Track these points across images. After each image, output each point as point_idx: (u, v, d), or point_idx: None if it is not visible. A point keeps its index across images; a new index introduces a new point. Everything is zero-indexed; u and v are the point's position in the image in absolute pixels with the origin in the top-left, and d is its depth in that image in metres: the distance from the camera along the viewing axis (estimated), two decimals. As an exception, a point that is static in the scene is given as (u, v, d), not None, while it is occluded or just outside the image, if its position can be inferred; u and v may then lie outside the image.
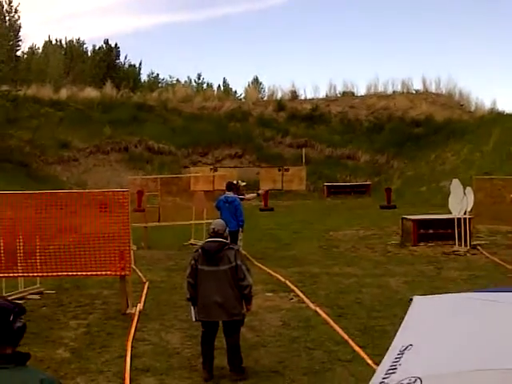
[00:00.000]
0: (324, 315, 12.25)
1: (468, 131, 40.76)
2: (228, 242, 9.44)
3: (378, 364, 9.16)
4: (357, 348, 10.21)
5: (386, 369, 3.60)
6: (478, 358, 3.49)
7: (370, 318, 12.13)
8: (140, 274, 16.51)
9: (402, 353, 3.70)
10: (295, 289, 14.60)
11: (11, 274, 13.37)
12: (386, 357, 3.82)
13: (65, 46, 69.32)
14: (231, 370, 9.30)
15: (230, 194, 18.13)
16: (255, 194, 22.89)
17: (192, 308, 9.34)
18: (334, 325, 11.59)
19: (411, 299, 4.52)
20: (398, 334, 4.07)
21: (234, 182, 20.56)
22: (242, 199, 19.45)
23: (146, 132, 44.59)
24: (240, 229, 17.74)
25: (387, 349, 10.00)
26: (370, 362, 9.43)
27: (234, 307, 9.08)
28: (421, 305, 4.41)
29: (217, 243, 9.13)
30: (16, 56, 56.41)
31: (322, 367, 9.54)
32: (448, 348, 3.69)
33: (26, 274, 13.57)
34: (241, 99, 57.77)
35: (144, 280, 15.88)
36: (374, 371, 9.00)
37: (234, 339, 9.31)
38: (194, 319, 9.42)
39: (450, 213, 20.34)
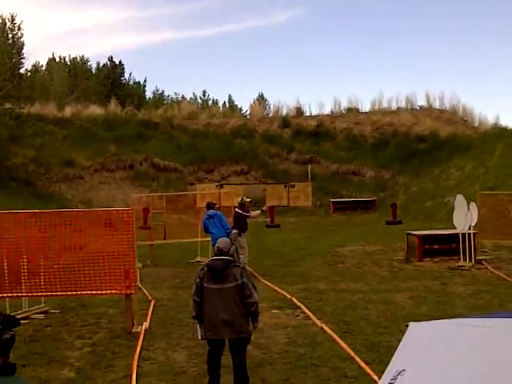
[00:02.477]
0: (330, 332, 12.21)
1: (472, 147, 40.79)
2: (234, 259, 9.51)
3: (384, 381, 9.11)
4: (363, 364, 10.16)
5: None
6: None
7: (376, 334, 12.07)
8: (146, 292, 16.50)
9: (395, 378, 3.75)
10: (301, 305, 14.55)
11: (15, 294, 13.34)
12: (380, 381, 3.88)
13: (69, 63, 69.48)
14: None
15: (210, 211, 19.55)
16: (259, 211, 22.90)
17: (198, 326, 9.33)
18: (340, 341, 11.54)
19: (407, 325, 4.65)
20: (393, 358, 4.12)
21: (242, 198, 20.72)
22: (247, 216, 19.78)
23: (151, 149, 44.66)
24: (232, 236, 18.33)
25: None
26: (375, 378, 9.36)
27: (240, 325, 9.04)
28: (416, 331, 4.52)
29: (222, 261, 9.13)
30: (19, 73, 56.42)
31: (328, 385, 9.49)
32: (438, 373, 3.78)
33: (30, 294, 13.55)
34: (246, 116, 57.84)
35: (150, 298, 15.86)
36: (380, 388, 8.94)
37: (240, 357, 9.25)
38: (200, 337, 9.38)
39: (455, 228, 20.32)
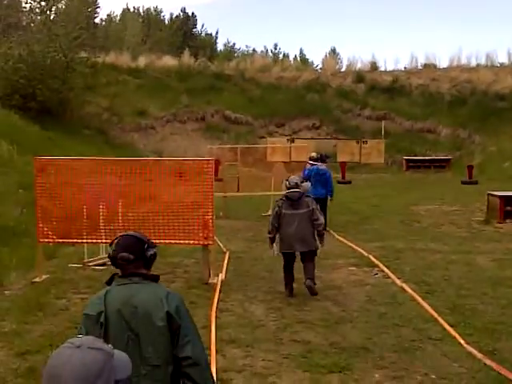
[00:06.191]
0: (411, 292, 11.89)
1: (554, 105, 39.52)
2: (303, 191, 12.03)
3: (470, 344, 8.79)
4: (447, 326, 9.81)
5: None
6: None
7: (459, 296, 11.69)
8: (220, 243, 16.36)
9: None
10: (379, 264, 14.24)
11: (94, 240, 13.33)
12: None
13: (142, 14, 69.67)
14: (307, 278, 11.61)
15: (322, 166, 19.15)
16: None
17: (274, 245, 11.86)
18: (421, 302, 11.22)
19: None
20: None
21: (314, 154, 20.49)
22: None
23: (222, 101, 44.38)
24: (329, 197, 18.86)
25: (479, 328, 9.55)
26: (462, 341, 9.06)
27: (310, 241, 11.65)
28: None
29: (297, 192, 11.72)
30: (94, 23, 56.57)
31: (412, 345, 9.17)
32: None
33: (108, 240, 13.50)
34: (318, 70, 56.98)
35: (224, 250, 15.76)
36: (466, 351, 8.61)
37: (310, 264, 11.70)
38: (275, 253, 11.95)
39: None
